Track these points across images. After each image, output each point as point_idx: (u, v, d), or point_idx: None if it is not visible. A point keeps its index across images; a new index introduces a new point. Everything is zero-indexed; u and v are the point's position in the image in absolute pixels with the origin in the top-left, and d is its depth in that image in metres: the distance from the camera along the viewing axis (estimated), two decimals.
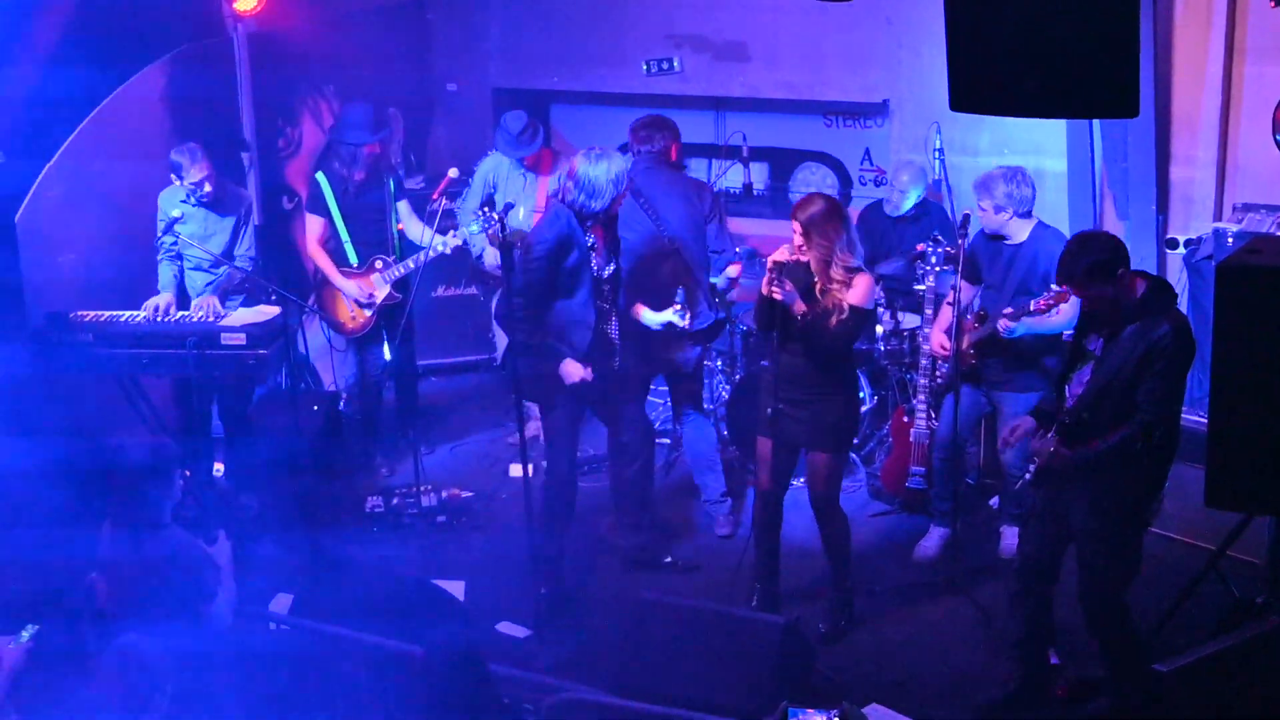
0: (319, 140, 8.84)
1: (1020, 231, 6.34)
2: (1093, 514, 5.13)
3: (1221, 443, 4.19)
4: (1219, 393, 4.18)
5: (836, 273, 5.72)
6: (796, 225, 5.70)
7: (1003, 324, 6.13)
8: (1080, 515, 5.18)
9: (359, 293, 7.59)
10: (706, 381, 7.47)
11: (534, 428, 8.13)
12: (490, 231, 7.27)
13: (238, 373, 6.73)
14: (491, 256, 7.94)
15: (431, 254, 7.39)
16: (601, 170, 5.96)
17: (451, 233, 7.45)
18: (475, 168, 8.07)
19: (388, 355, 7.85)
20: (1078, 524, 5.20)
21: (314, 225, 7.65)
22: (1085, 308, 5.14)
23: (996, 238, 6.41)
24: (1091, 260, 4.95)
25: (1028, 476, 5.33)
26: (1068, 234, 6.59)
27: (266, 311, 6.89)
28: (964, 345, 6.39)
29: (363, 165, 7.51)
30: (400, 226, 7.69)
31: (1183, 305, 6.89)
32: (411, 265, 7.51)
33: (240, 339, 6.56)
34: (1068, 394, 5.23)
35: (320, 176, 7.62)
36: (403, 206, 7.72)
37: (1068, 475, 5.14)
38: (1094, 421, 5.05)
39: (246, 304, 7.14)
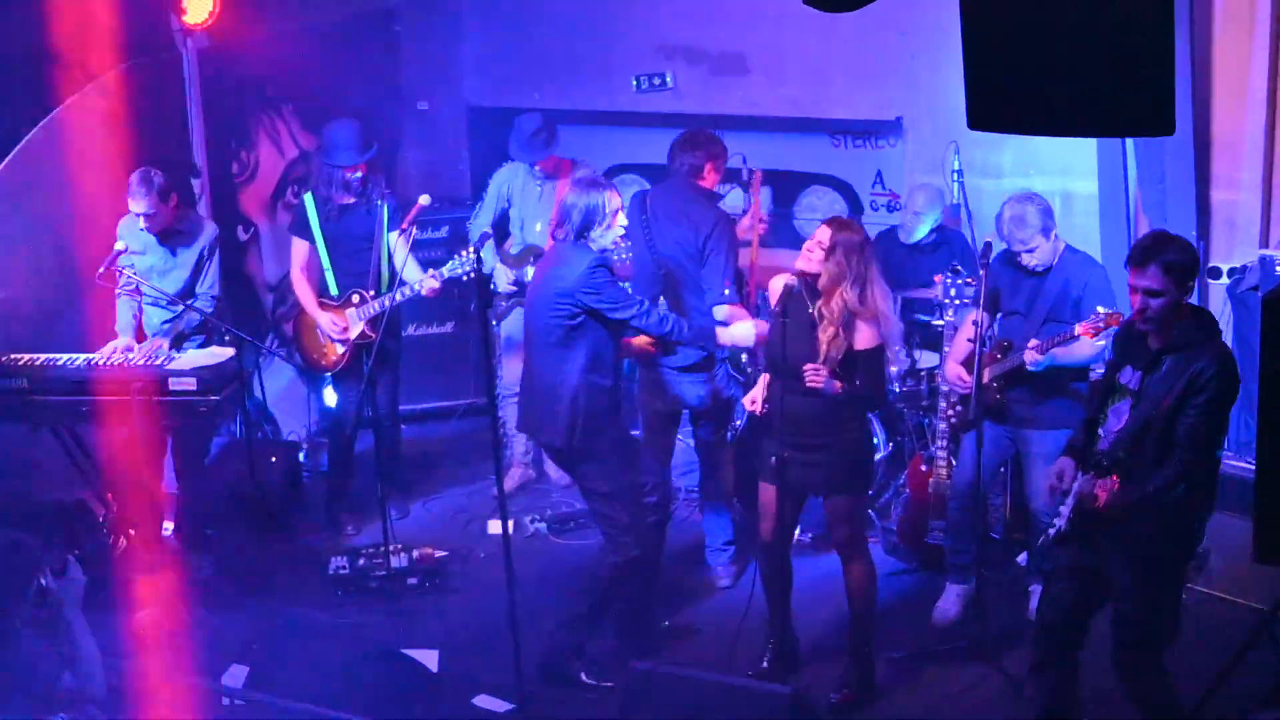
0: (277, 165, 8.81)
1: (1047, 255, 6.31)
2: (1129, 567, 5.08)
3: (1270, 491, 4.15)
4: (1267, 436, 4.17)
5: (836, 303, 5.73)
6: (828, 231, 5.74)
7: (1029, 355, 6.11)
8: (1116, 570, 5.12)
9: (331, 327, 7.47)
10: None
11: (514, 477, 8.10)
12: (468, 270, 7.23)
13: (188, 421, 6.67)
14: (502, 276, 7.90)
15: (407, 293, 7.24)
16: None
17: (431, 271, 7.20)
18: (489, 179, 8.09)
19: None
20: (1114, 579, 5.15)
21: (299, 250, 7.56)
22: (1138, 308, 5.01)
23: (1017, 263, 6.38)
24: (1174, 257, 4.91)
25: (1052, 532, 5.27)
26: (1099, 261, 6.60)
27: (219, 354, 6.82)
28: (985, 378, 6.35)
29: (345, 188, 7.40)
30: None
31: (1226, 340, 6.87)
32: (387, 303, 7.32)
33: (190, 384, 6.52)
34: (1102, 432, 5.18)
35: (308, 198, 7.55)
36: (395, 238, 7.45)
37: (1111, 520, 5.06)
38: (1131, 463, 5.00)
39: (204, 345, 7.05)
